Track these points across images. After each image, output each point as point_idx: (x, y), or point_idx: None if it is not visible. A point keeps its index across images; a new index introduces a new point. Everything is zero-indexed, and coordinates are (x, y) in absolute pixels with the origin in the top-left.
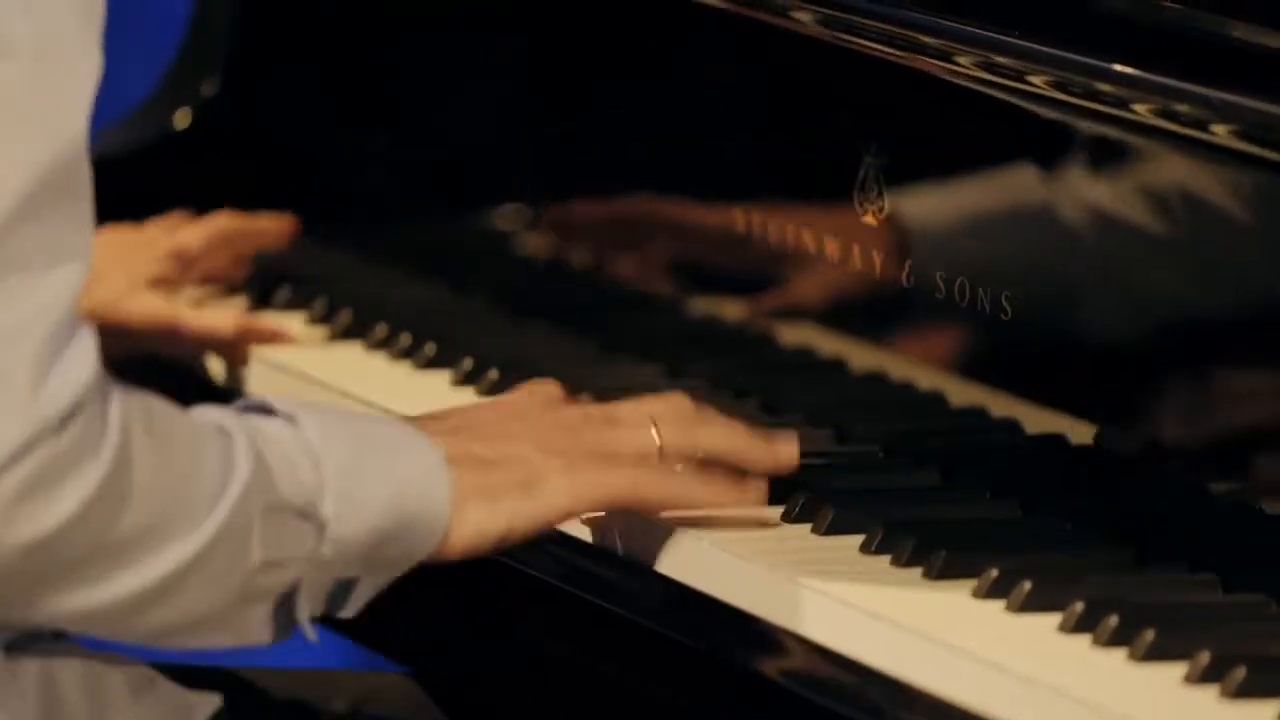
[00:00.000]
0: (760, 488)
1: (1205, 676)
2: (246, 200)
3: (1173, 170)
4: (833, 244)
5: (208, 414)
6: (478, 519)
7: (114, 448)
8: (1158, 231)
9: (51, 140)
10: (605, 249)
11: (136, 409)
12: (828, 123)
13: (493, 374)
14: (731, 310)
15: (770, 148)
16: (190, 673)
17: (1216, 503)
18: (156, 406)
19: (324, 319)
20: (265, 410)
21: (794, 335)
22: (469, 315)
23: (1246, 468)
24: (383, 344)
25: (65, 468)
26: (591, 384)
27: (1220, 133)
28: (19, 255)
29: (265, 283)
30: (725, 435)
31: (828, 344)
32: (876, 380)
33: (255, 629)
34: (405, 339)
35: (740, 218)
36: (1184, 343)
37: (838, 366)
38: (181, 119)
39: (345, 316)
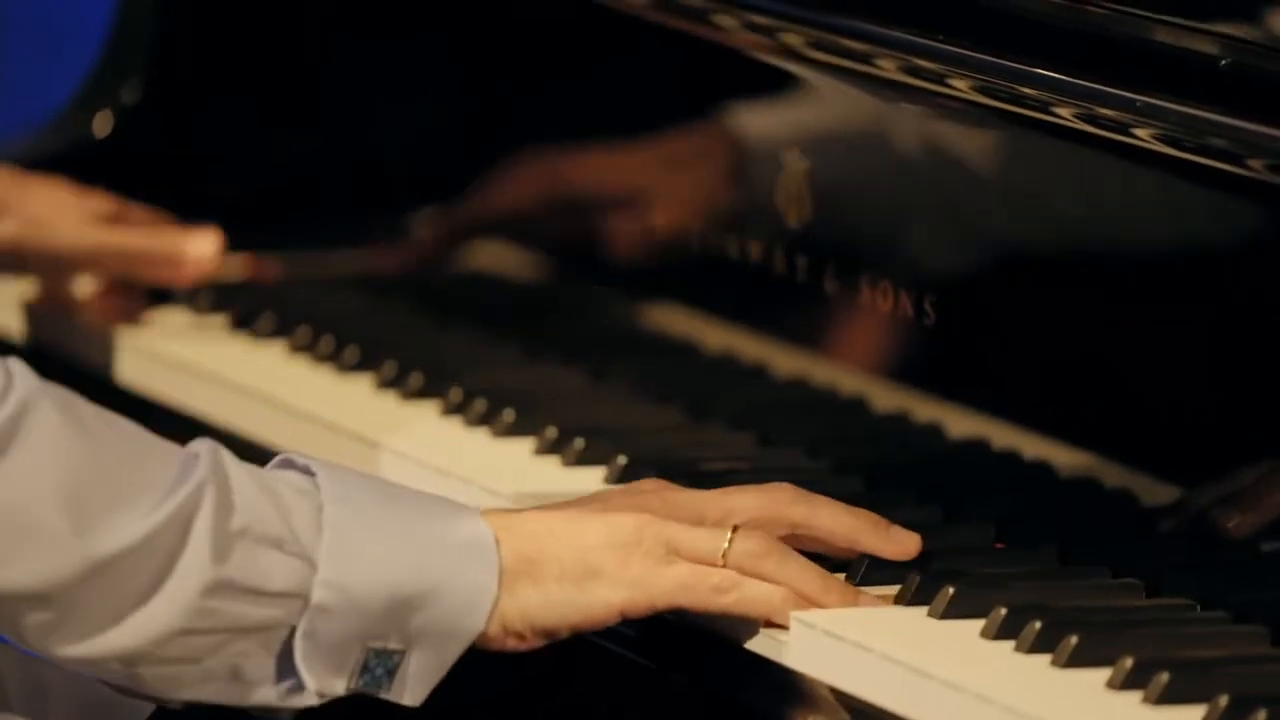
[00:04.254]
0: (846, 591)
1: (1129, 682)
2: (167, 208)
3: (1096, 174)
4: (757, 248)
5: (192, 445)
6: (525, 604)
7: (12, 408)
8: (1086, 235)
9: None
10: (521, 250)
11: (51, 391)
12: (750, 127)
13: (416, 378)
14: (656, 315)
15: (691, 153)
16: None
17: (1142, 508)
18: (82, 401)
19: (246, 323)
20: (288, 465)
21: (718, 340)
22: (392, 320)
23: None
24: (305, 348)
25: None
26: (516, 389)
27: (1144, 136)
28: None
29: (190, 289)
30: (831, 519)
31: (750, 349)
32: (801, 385)
33: (251, 675)
34: (328, 343)
35: (660, 222)
36: (1114, 344)
37: (759, 373)
38: (102, 126)
39: (268, 320)
